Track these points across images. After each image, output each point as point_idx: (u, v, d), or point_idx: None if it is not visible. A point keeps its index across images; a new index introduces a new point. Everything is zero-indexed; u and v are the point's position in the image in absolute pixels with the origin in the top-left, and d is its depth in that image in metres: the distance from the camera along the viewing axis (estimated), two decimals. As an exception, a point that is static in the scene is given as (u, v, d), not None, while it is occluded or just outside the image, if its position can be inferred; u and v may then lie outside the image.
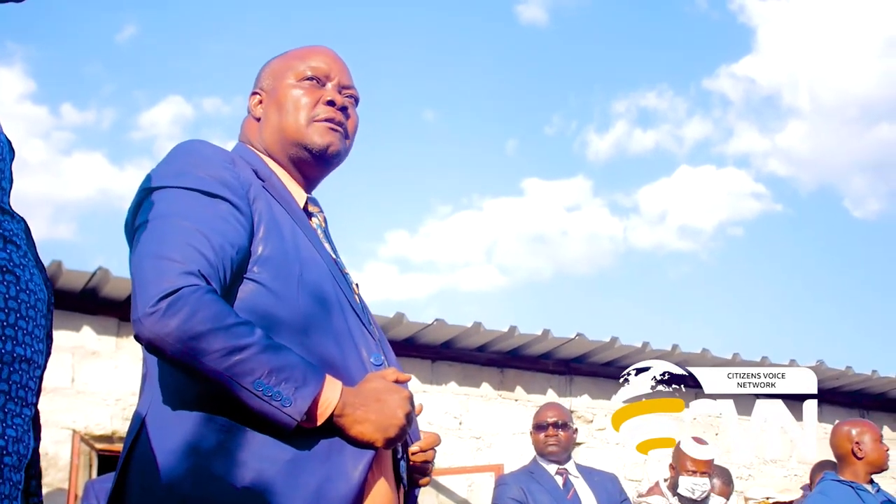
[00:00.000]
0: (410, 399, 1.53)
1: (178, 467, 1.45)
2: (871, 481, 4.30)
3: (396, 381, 1.55)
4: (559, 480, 4.57)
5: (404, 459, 1.69)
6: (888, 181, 20.23)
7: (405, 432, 1.51)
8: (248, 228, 1.57)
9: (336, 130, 1.76)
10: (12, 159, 1.29)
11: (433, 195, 19.24)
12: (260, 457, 1.45)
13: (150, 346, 1.44)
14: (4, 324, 1.12)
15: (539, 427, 4.71)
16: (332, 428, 1.48)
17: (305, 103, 1.75)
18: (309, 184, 1.80)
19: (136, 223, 1.55)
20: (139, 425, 1.54)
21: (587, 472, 4.68)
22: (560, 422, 4.68)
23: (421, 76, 17.92)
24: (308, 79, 1.77)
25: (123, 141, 18.72)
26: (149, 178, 1.60)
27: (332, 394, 1.47)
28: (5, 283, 1.14)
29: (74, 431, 6.24)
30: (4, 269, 1.15)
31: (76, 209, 19.55)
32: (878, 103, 19.34)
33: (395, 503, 1.61)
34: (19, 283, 1.16)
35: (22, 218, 1.25)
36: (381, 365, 1.64)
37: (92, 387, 6.46)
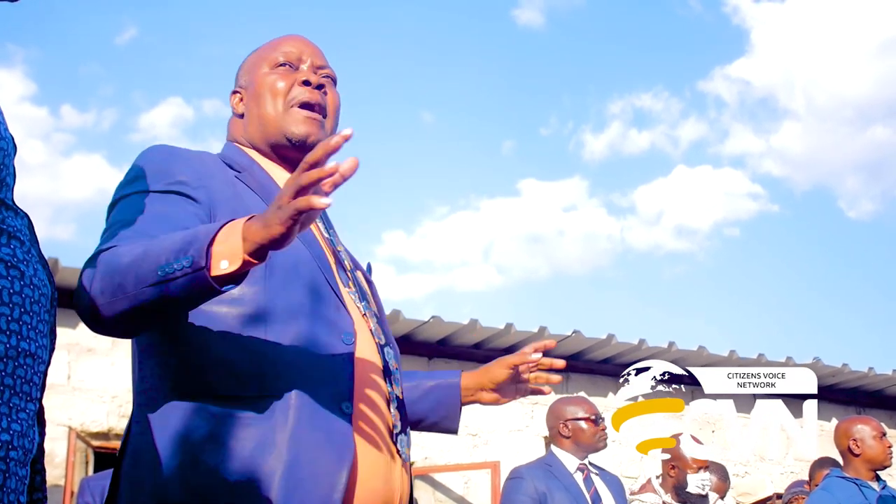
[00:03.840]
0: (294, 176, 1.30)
1: (166, 459, 1.45)
2: (878, 478, 4.30)
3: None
4: (580, 477, 4.32)
5: (405, 433, 1.64)
6: (882, 182, 20.32)
7: (296, 214, 1.28)
8: (201, 214, 1.56)
9: (314, 119, 1.72)
10: (14, 155, 1.28)
11: (430, 196, 19.26)
12: (245, 440, 1.44)
13: (102, 328, 1.45)
14: (9, 319, 1.12)
15: (594, 420, 4.40)
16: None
17: (281, 88, 1.73)
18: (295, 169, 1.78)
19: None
20: (129, 422, 1.57)
21: (600, 470, 4.54)
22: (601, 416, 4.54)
23: (418, 78, 17.94)
24: (281, 65, 1.76)
25: (123, 143, 18.71)
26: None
27: (233, 225, 1.34)
28: (9, 278, 1.14)
29: (70, 428, 6.24)
30: (9, 264, 1.15)
31: (75, 210, 19.55)
32: (873, 105, 19.42)
33: (391, 479, 1.56)
34: (23, 278, 1.16)
35: (25, 213, 1.25)
36: (351, 344, 1.57)
37: (88, 384, 6.46)
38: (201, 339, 1.49)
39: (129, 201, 1.57)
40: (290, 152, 1.72)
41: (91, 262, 1.45)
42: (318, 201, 1.26)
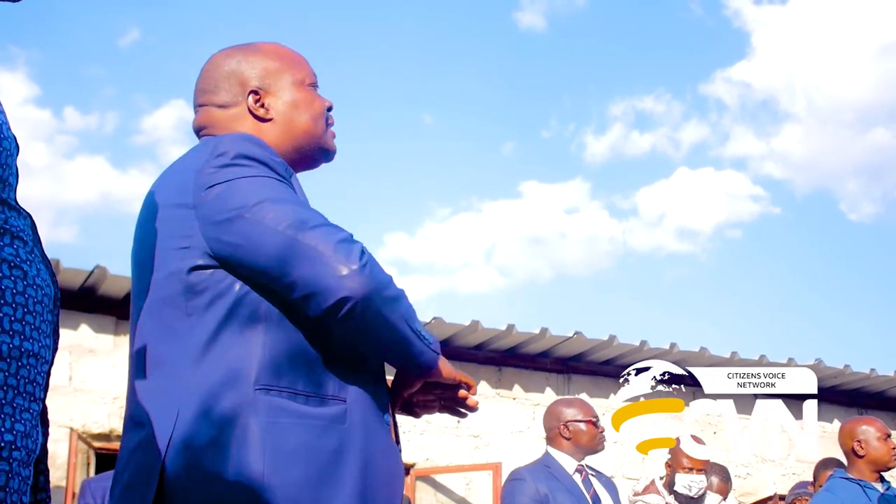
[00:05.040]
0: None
1: (242, 455, 1.46)
2: (882, 479, 4.29)
3: None
4: (578, 478, 4.30)
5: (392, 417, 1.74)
6: (882, 185, 20.31)
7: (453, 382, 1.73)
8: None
9: (334, 135, 1.88)
10: (17, 156, 1.29)
11: (432, 198, 19.25)
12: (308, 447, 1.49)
13: (361, 301, 1.48)
14: (12, 319, 1.12)
15: (594, 422, 4.38)
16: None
17: (320, 109, 1.82)
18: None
19: (233, 208, 1.54)
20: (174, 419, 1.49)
21: (597, 472, 4.56)
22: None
23: (420, 81, 17.94)
24: (311, 84, 1.83)
25: (126, 145, 18.72)
26: (204, 173, 1.58)
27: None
28: (12, 278, 1.14)
29: (72, 429, 6.24)
30: (12, 264, 1.15)
31: (78, 212, 19.55)
32: (873, 108, 19.41)
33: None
34: (26, 278, 1.16)
35: (28, 214, 1.25)
36: None
37: (89, 385, 6.46)
38: (296, 335, 1.55)
39: (267, 182, 1.58)
40: (313, 163, 1.86)
41: (366, 265, 1.51)
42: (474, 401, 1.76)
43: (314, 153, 1.83)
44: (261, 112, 1.77)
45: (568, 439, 4.38)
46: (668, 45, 18.99)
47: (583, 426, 4.38)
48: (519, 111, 18.53)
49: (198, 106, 1.82)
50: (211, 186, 1.55)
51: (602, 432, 4.40)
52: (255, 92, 1.78)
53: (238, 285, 1.53)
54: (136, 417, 1.54)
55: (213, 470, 1.44)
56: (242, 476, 1.43)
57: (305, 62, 1.86)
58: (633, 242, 18.59)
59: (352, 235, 1.54)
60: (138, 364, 1.59)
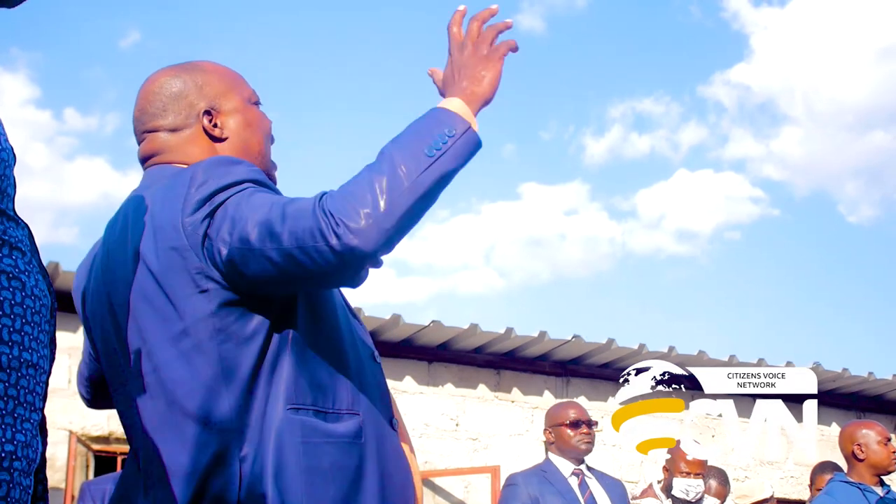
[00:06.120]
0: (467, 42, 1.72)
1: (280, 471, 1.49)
2: (882, 483, 4.29)
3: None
4: (574, 481, 4.38)
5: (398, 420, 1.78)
6: (881, 187, 20.32)
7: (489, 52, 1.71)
8: None
9: None
10: (14, 165, 1.29)
11: (431, 199, 19.21)
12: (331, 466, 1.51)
13: (387, 245, 1.44)
14: (11, 329, 1.13)
15: (574, 424, 4.45)
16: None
17: (267, 128, 1.80)
18: None
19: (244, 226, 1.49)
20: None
21: (599, 475, 4.53)
22: (590, 420, 4.52)
23: (420, 83, 17.92)
24: (257, 103, 1.80)
25: (126, 147, 18.72)
26: (199, 186, 1.53)
27: (452, 101, 1.61)
28: (11, 289, 1.15)
29: (71, 432, 6.24)
30: (10, 275, 1.15)
31: (78, 214, 19.54)
32: (872, 111, 19.42)
33: (418, 476, 1.70)
34: (24, 289, 1.17)
35: (26, 224, 1.26)
36: (379, 362, 1.72)
37: (89, 388, 6.45)
38: (312, 352, 1.56)
39: (263, 192, 1.53)
40: None
41: (321, 201, 1.44)
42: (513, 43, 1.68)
43: (265, 171, 1.77)
44: (216, 132, 1.72)
45: (553, 443, 4.51)
46: (667, 47, 19.01)
47: (564, 429, 4.47)
48: (518, 113, 18.51)
49: (143, 132, 1.74)
50: (200, 217, 1.51)
51: (585, 433, 4.45)
52: (207, 112, 1.72)
53: (264, 323, 1.52)
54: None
55: (259, 491, 1.46)
56: (285, 497, 1.46)
57: (245, 80, 1.82)
58: (632, 244, 18.61)
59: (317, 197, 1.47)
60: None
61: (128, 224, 1.61)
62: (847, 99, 19.53)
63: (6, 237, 1.18)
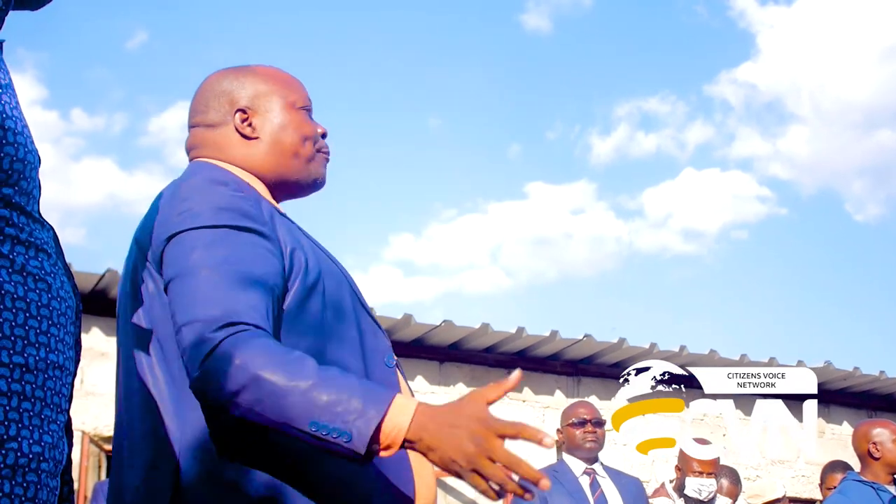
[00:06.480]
0: (491, 429, 1.34)
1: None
2: (895, 482, 4.28)
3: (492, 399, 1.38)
4: (586, 481, 4.39)
5: None
6: (888, 186, 20.22)
7: (478, 466, 1.33)
8: (279, 255, 1.58)
9: (327, 163, 1.84)
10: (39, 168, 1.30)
11: (437, 199, 19.22)
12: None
13: (216, 408, 1.43)
14: (38, 331, 1.13)
15: (577, 424, 4.50)
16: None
17: (310, 132, 1.80)
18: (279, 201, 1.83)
19: (167, 279, 1.53)
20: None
21: (614, 474, 4.54)
22: (597, 419, 4.54)
23: (425, 84, 17.92)
24: (303, 108, 1.81)
25: (133, 147, 18.74)
26: (164, 223, 1.57)
27: (400, 418, 1.34)
28: (37, 291, 1.15)
29: (84, 433, 6.26)
30: (37, 277, 1.16)
31: (85, 214, 19.57)
32: (879, 109, 19.34)
33: (433, 481, 1.69)
34: (51, 290, 1.18)
35: (51, 226, 1.27)
36: (393, 367, 1.68)
37: (101, 388, 6.47)
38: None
39: (201, 239, 1.52)
40: (298, 189, 1.81)
41: (231, 342, 1.39)
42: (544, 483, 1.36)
43: (300, 176, 1.78)
44: (247, 131, 1.75)
45: (563, 443, 4.58)
46: (673, 46, 18.96)
47: (569, 429, 4.54)
48: (524, 113, 18.51)
49: (190, 127, 1.82)
50: (169, 239, 1.55)
51: (588, 432, 4.48)
52: (242, 111, 1.76)
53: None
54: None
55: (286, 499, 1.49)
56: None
57: (300, 86, 1.84)
58: (638, 243, 18.56)
59: (216, 328, 1.41)
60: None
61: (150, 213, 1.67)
62: (854, 97, 19.47)
63: (32, 239, 1.18)
